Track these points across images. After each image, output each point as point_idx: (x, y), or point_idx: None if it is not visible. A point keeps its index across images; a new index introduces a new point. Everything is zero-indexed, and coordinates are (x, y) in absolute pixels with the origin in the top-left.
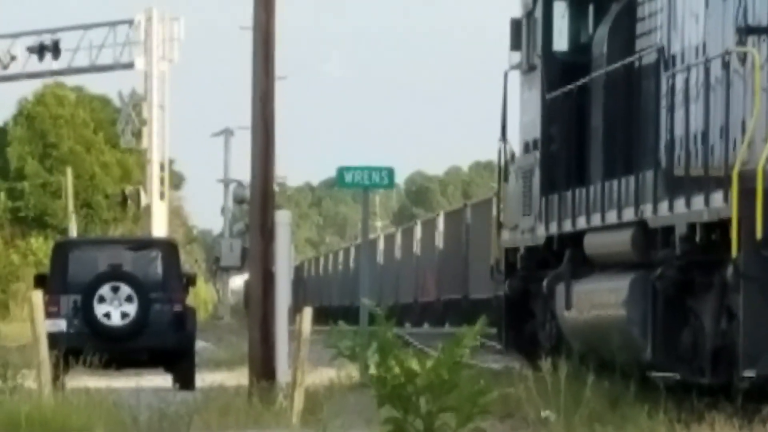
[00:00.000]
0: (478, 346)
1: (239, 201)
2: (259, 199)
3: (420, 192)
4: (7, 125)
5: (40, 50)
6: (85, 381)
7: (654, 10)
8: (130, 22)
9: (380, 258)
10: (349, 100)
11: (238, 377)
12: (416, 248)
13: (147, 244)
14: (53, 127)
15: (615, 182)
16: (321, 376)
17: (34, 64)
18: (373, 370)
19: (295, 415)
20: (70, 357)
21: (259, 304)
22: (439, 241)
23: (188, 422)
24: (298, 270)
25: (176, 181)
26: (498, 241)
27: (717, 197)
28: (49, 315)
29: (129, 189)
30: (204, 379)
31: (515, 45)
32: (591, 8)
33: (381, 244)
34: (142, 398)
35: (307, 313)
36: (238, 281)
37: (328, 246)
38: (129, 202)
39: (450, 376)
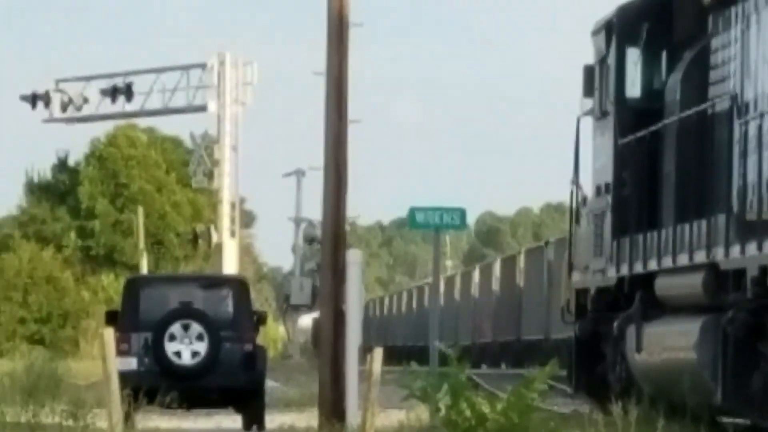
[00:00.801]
0: (548, 388)
1: (310, 240)
2: (331, 239)
3: (490, 233)
4: (79, 165)
5: (113, 92)
6: (155, 421)
7: (727, 57)
8: (203, 66)
9: (456, 295)
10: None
11: (308, 418)
12: (474, 291)
13: (218, 281)
14: (125, 167)
15: (687, 225)
16: (390, 417)
17: (106, 106)
18: (443, 413)
19: None
20: (141, 396)
21: (329, 343)
22: (496, 285)
23: None
24: (366, 309)
25: (247, 219)
26: (569, 283)
27: None
28: (120, 353)
29: (200, 227)
30: (273, 419)
31: (588, 91)
32: (664, 55)
33: (442, 286)
34: None
35: (378, 353)
36: (306, 320)
37: (397, 285)
38: (200, 240)
39: (520, 419)
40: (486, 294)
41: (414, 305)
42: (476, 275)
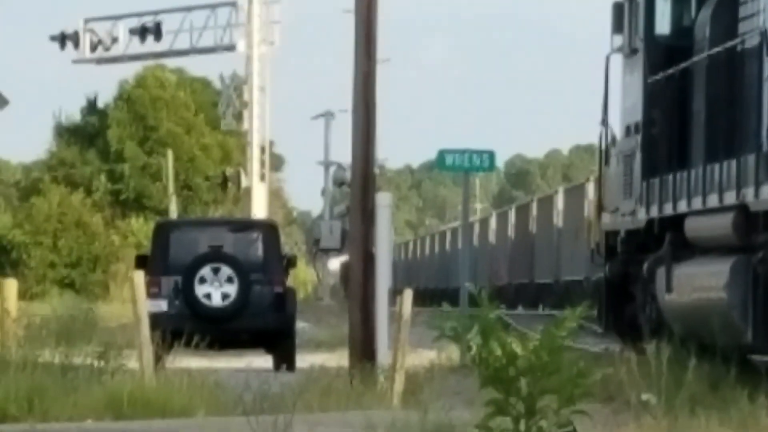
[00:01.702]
0: (578, 328)
1: (339, 183)
2: (360, 182)
3: (520, 175)
4: (107, 108)
5: (141, 32)
6: (186, 362)
7: None
8: (233, 5)
9: (475, 241)
10: (450, 84)
11: (339, 358)
12: (510, 232)
13: (248, 225)
14: (153, 109)
15: (716, 166)
16: (421, 357)
17: (135, 46)
18: (474, 352)
19: (395, 396)
20: (171, 338)
21: (359, 286)
22: (533, 226)
23: (293, 404)
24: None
25: (276, 163)
26: (598, 224)
27: None
28: (150, 296)
29: (229, 171)
30: (304, 359)
31: (617, 29)
32: None
33: (476, 228)
34: (243, 380)
35: (408, 294)
36: (336, 263)
37: (427, 228)
38: (229, 183)
39: (551, 358)
40: (502, 239)
41: (444, 247)
42: (492, 221)
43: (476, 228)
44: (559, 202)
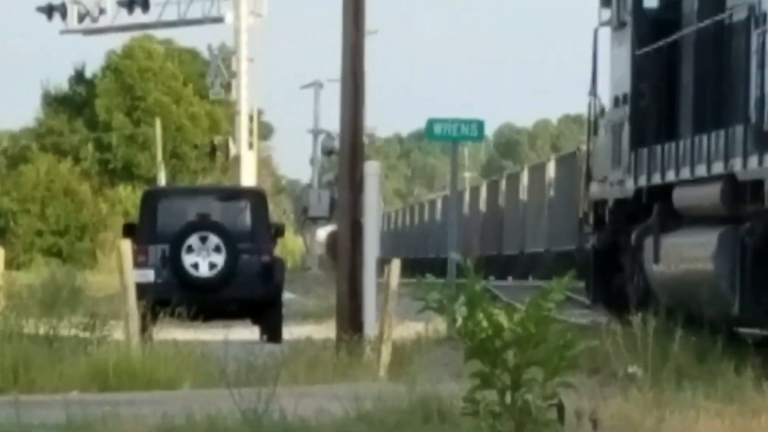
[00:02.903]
0: (565, 299)
1: (328, 152)
2: (349, 151)
3: (509, 144)
4: (95, 78)
5: (129, 4)
6: (172, 333)
7: None
8: None
9: (466, 210)
10: (439, 54)
11: (326, 330)
12: (501, 201)
13: (236, 193)
14: (141, 79)
15: (705, 136)
16: (408, 329)
17: (123, 17)
18: (460, 324)
19: (382, 368)
20: (158, 308)
21: (347, 255)
22: (524, 195)
23: (276, 375)
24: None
25: (265, 131)
26: (587, 194)
27: None
28: (137, 265)
29: (218, 139)
30: (291, 332)
31: (605, 2)
32: None
33: (467, 197)
34: (230, 351)
35: (396, 265)
36: (324, 233)
37: (416, 198)
38: (218, 152)
39: (537, 329)
40: (493, 208)
41: (433, 217)
42: (483, 190)
43: (466, 197)
44: (550, 170)
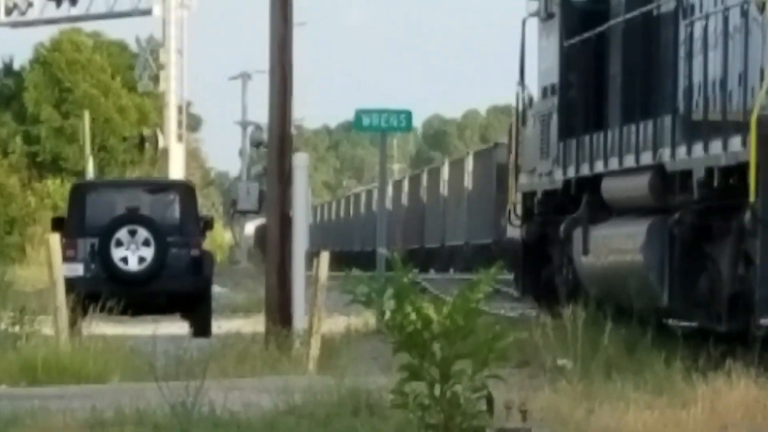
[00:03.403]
0: (494, 292)
1: (257, 144)
2: (277, 143)
3: (437, 136)
4: (23, 70)
5: None
6: (102, 327)
7: None
8: None
9: (388, 204)
10: (367, 46)
11: (255, 324)
12: (423, 195)
13: (164, 186)
14: (69, 72)
15: (633, 127)
16: (337, 322)
17: (51, 10)
18: (388, 317)
19: (311, 361)
20: (87, 302)
21: (276, 248)
22: (444, 189)
23: (205, 369)
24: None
25: (194, 123)
26: (515, 185)
27: (735, 142)
28: (66, 259)
29: (146, 131)
30: (221, 326)
31: None
32: None
33: (390, 191)
34: (159, 345)
35: (324, 258)
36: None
37: (345, 190)
38: (146, 144)
39: (466, 322)
40: (415, 202)
41: (360, 210)
42: (405, 184)
43: (423, 179)
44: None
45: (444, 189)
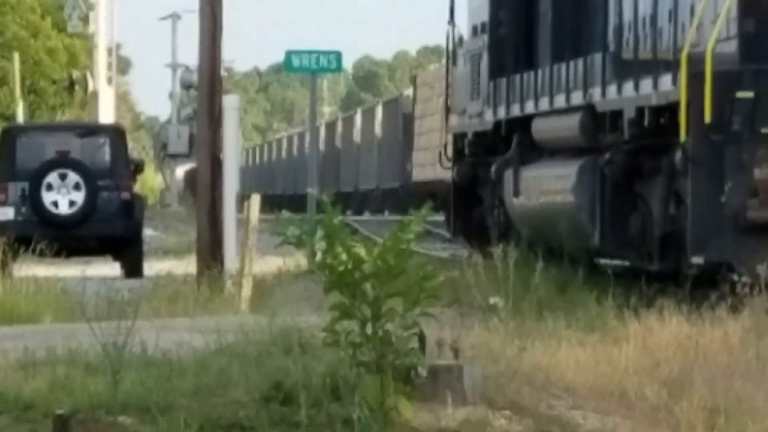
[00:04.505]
0: (423, 231)
1: (187, 86)
2: (207, 85)
3: (368, 77)
4: None
5: None
6: (33, 269)
7: None
8: None
9: (338, 141)
10: None
11: (187, 265)
12: (356, 137)
13: (94, 130)
14: None
15: (563, 66)
16: (269, 264)
17: None
18: (319, 257)
19: (243, 302)
20: (18, 245)
21: (207, 191)
22: (357, 136)
23: (136, 309)
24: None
25: (124, 66)
26: (446, 126)
27: (666, 80)
28: None
29: (76, 74)
30: (152, 267)
31: None
32: None
33: (339, 127)
34: (90, 287)
35: (255, 200)
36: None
37: (275, 132)
38: (76, 87)
39: (396, 261)
40: (348, 144)
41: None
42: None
43: (338, 127)
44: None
45: (357, 137)
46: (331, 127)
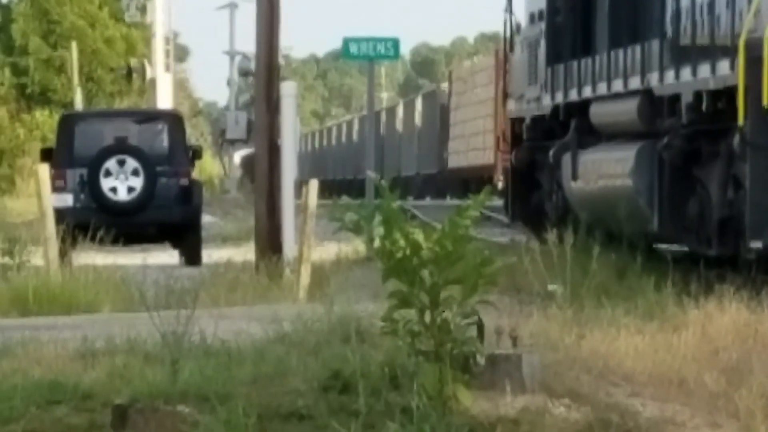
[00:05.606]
0: (481, 216)
1: (244, 73)
2: (265, 72)
3: (425, 63)
4: (11, 2)
5: None
6: (92, 257)
7: None
8: None
9: (382, 130)
10: None
11: (245, 252)
12: (399, 126)
13: (153, 116)
14: (56, 4)
15: (621, 51)
16: (327, 250)
17: None
18: (378, 243)
19: (301, 289)
20: (77, 233)
21: (265, 177)
22: (399, 126)
23: (195, 298)
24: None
25: (181, 53)
26: (504, 112)
27: (723, 65)
28: (55, 189)
29: (134, 62)
30: (211, 255)
31: None
32: None
33: (383, 117)
34: (149, 275)
35: (314, 185)
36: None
37: (333, 119)
38: (134, 75)
39: (455, 247)
40: (410, 128)
41: (348, 138)
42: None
43: (383, 117)
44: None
45: (399, 126)
46: (378, 116)
